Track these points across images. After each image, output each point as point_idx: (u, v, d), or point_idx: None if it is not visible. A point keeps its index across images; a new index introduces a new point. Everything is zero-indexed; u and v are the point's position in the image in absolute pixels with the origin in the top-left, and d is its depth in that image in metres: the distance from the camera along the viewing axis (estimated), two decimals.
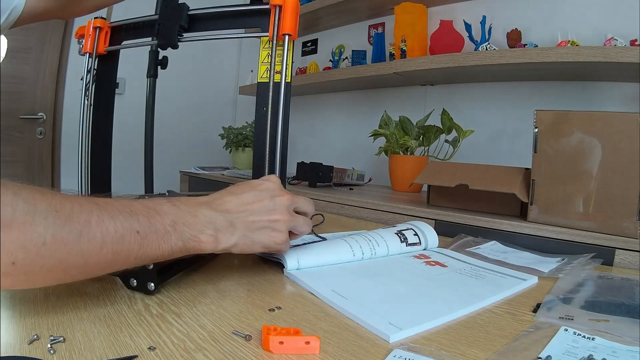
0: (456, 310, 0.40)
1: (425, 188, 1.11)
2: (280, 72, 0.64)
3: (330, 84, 1.75)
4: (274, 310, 0.38)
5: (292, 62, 0.66)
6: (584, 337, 0.34)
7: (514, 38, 1.24)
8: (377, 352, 0.31)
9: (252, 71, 2.25)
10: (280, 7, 0.64)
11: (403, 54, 1.41)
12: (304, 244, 0.57)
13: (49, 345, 0.29)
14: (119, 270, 0.35)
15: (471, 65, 1.19)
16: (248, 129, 2.00)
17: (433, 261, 0.57)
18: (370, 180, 1.55)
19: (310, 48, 2.12)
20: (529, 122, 0.76)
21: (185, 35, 0.69)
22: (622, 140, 0.64)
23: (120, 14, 0.97)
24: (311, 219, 0.49)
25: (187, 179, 1.98)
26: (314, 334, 0.32)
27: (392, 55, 1.54)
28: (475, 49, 1.28)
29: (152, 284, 0.40)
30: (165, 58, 1.11)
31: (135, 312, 0.36)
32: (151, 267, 0.39)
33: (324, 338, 0.33)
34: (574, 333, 0.35)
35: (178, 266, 0.46)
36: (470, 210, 0.87)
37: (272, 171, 0.65)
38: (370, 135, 1.39)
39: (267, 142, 0.64)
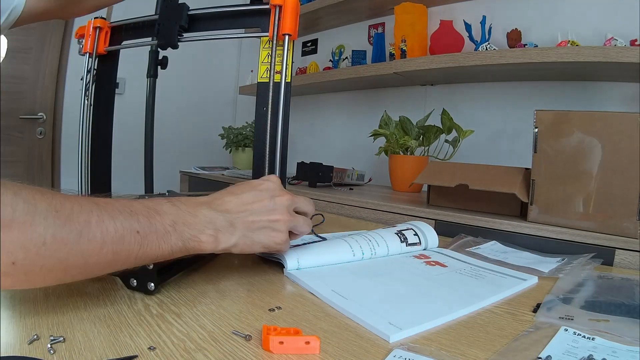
0: (456, 310, 0.40)
1: (425, 188, 1.11)
2: (280, 72, 0.64)
3: (330, 84, 1.75)
4: (274, 310, 0.38)
5: (292, 62, 0.66)
6: (584, 337, 0.34)
7: (514, 38, 1.24)
8: (377, 352, 0.31)
9: (252, 71, 2.25)
10: (280, 7, 0.64)
11: (403, 54, 1.41)
12: (304, 244, 0.57)
13: (49, 345, 0.29)
14: (119, 270, 0.35)
15: (471, 65, 1.19)
16: (248, 129, 2.00)
17: (433, 261, 0.57)
18: (370, 180, 1.55)
19: (310, 48, 2.12)
20: (529, 122, 0.76)
21: (185, 35, 0.70)
22: (622, 140, 0.64)
23: (120, 14, 0.97)
24: (311, 219, 0.49)
25: (187, 179, 1.98)
26: (314, 334, 0.32)
27: (392, 55, 1.54)
28: (475, 49, 1.28)
29: (152, 284, 0.40)
30: (165, 58, 1.11)
31: (135, 312, 0.36)
32: (151, 267, 0.39)
33: (324, 338, 0.33)
34: (574, 333, 0.35)
35: (178, 266, 0.46)
36: (470, 210, 0.87)
37: (272, 171, 0.65)
38: (370, 135, 1.39)
39: (267, 142, 0.64)
